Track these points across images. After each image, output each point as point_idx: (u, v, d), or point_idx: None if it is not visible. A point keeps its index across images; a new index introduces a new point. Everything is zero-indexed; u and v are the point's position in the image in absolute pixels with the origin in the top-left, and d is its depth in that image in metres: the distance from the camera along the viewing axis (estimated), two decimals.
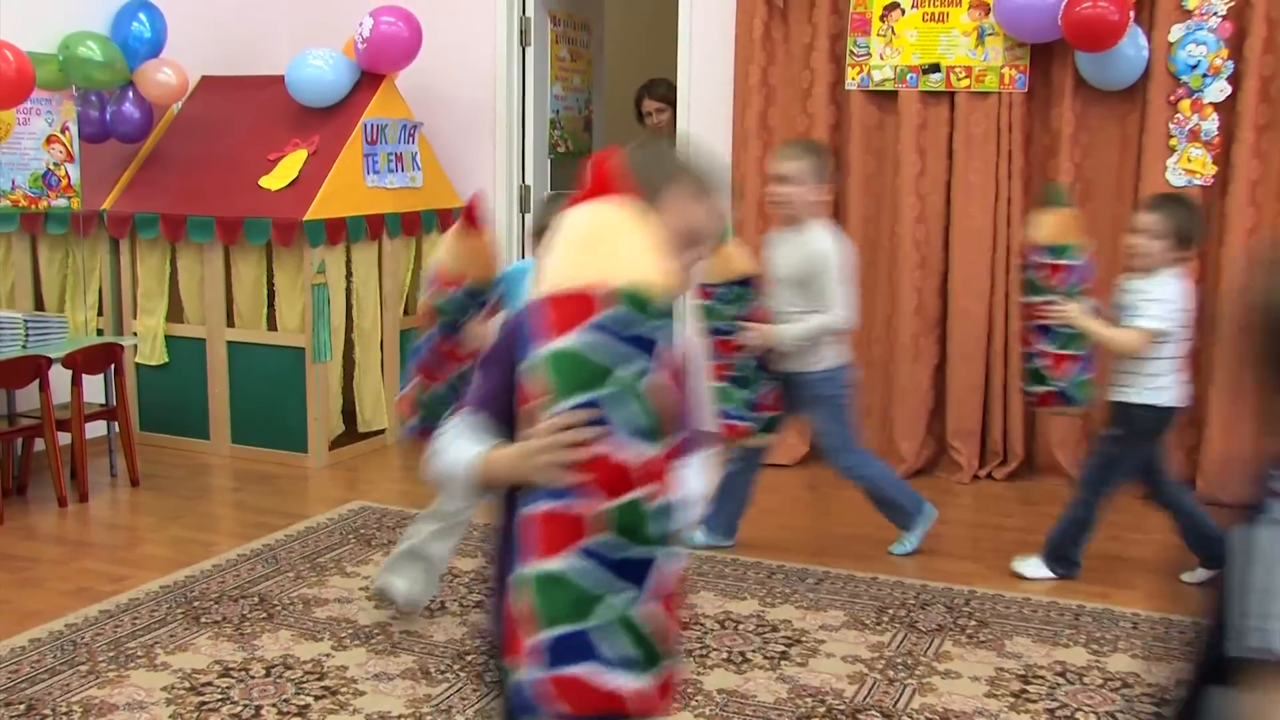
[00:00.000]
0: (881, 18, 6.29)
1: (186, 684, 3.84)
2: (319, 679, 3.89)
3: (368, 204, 6.53)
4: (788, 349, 4.91)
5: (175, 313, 6.70)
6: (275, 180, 6.38)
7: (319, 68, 6.59)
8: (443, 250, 4.11)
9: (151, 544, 5.29)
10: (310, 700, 3.74)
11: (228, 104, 6.91)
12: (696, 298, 4.88)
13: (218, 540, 5.24)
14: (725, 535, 5.29)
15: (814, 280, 4.89)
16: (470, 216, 4.01)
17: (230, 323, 6.54)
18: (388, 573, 4.35)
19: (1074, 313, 4.81)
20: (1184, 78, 5.89)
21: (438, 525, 4.34)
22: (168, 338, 6.68)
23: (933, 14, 6.22)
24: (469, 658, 4.06)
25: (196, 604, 4.50)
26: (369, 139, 6.54)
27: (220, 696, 3.76)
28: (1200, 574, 4.74)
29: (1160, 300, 4.62)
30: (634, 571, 1.94)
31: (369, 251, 6.65)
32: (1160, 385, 4.68)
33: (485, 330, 3.98)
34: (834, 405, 5.06)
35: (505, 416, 2.15)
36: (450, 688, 3.84)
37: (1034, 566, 5.02)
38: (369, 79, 6.71)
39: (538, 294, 1.98)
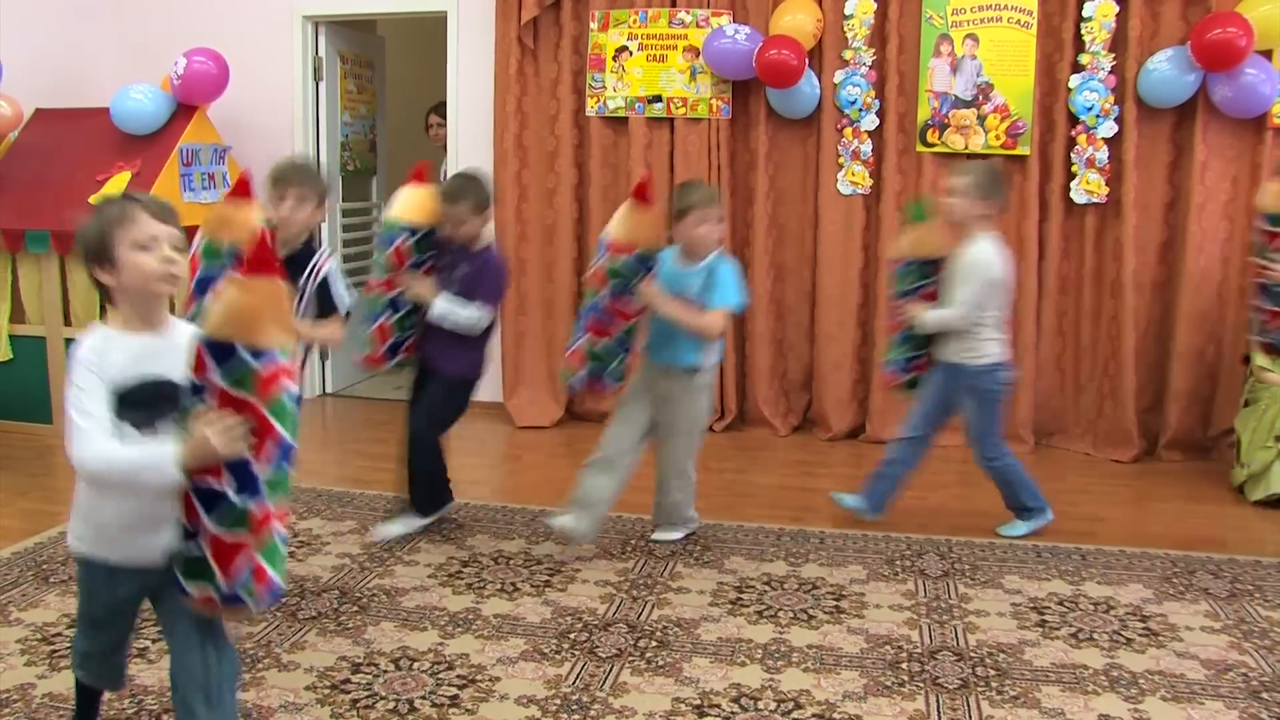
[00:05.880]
0: (614, 57, 6.44)
1: (39, 635, 3.75)
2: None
3: (185, 217, 6.15)
4: (928, 330, 4.61)
5: (18, 314, 6.48)
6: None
7: (140, 100, 6.45)
8: (614, 223, 4.26)
9: (4, 516, 5.11)
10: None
11: (60, 132, 6.68)
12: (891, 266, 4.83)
13: (62, 510, 4.93)
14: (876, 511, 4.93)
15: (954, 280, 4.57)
16: (641, 194, 4.19)
17: (67, 322, 6.36)
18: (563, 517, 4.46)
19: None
20: (846, 111, 6.17)
21: (602, 475, 4.44)
22: (11, 337, 6.46)
23: (655, 55, 6.40)
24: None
25: (45, 567, 4.38)
26: (184, 161, 6.43)
27: (69, 645, 3.64)
28: None
29: None
30: None
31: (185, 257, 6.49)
32: None
33: (651, 291, 4.21)
34: (987, 398, 4.61)
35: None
36: (269, 625, 3.84)
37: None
38: (184, 110, 6.58)
39: None
